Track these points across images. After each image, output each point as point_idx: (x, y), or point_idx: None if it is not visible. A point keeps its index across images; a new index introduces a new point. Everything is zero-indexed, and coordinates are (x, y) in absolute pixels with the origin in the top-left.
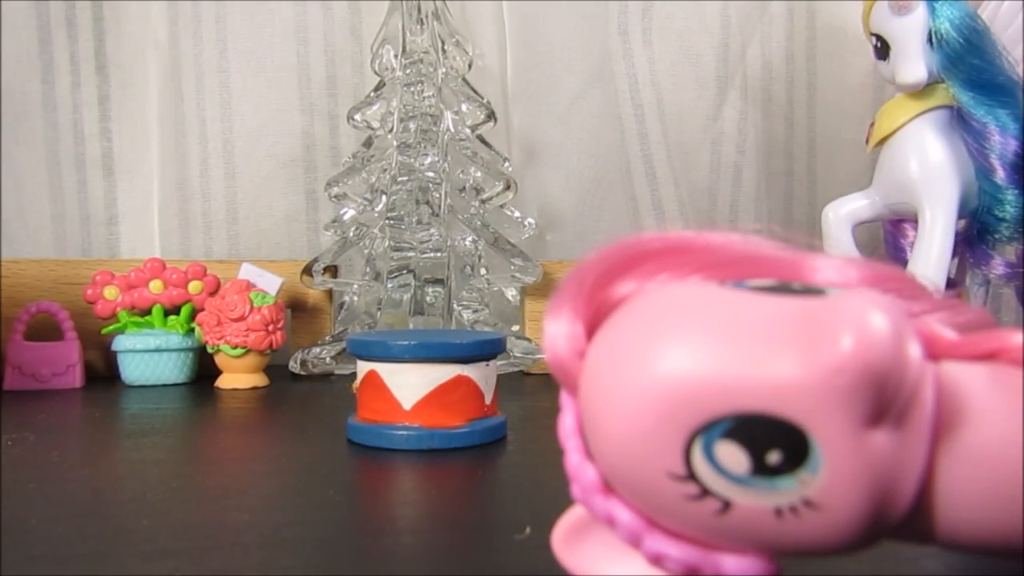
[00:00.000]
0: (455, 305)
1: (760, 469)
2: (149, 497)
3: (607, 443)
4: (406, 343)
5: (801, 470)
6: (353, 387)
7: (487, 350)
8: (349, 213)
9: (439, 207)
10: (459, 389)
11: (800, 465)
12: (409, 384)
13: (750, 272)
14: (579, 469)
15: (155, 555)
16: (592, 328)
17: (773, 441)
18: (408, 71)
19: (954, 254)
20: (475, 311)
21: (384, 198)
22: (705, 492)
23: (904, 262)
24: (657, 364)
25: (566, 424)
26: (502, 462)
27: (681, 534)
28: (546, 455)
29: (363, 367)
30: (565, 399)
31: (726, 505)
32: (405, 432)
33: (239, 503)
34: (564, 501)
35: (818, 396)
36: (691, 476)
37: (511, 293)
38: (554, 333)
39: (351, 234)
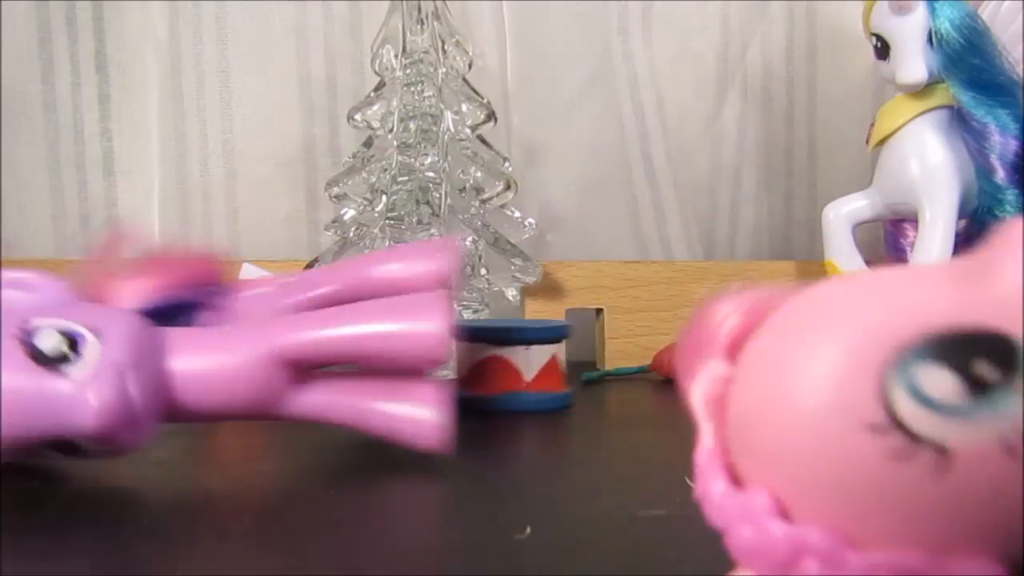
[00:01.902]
0: (455, 305)
1: (973, 390)
2: (150, 497)
3: (786, 429)
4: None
5: (1018, 377)
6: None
7: (517, 336)
8: (349, 213)
9: (439, 207)
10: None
11: (1015, 372)
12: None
13: None
14: (736, 498)
15: (156, 555)
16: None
17: (978, 354)
18: (408, 71)
19: (954, 254)
20: (475, 311)
21: (384, 198)
22: (914, 440)
23: (904, 262)
24: (832, 324)
25: (706, 450)
26: (501, 461)
27: (891, 539)
28: (550, 454)
29: (481, 349)
30: (704, 426)
31: (942, 454)
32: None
33: (239, 503)
34: (564, 500)
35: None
36: (895, 423)
37: (511, 293)
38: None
39: (351, 234)
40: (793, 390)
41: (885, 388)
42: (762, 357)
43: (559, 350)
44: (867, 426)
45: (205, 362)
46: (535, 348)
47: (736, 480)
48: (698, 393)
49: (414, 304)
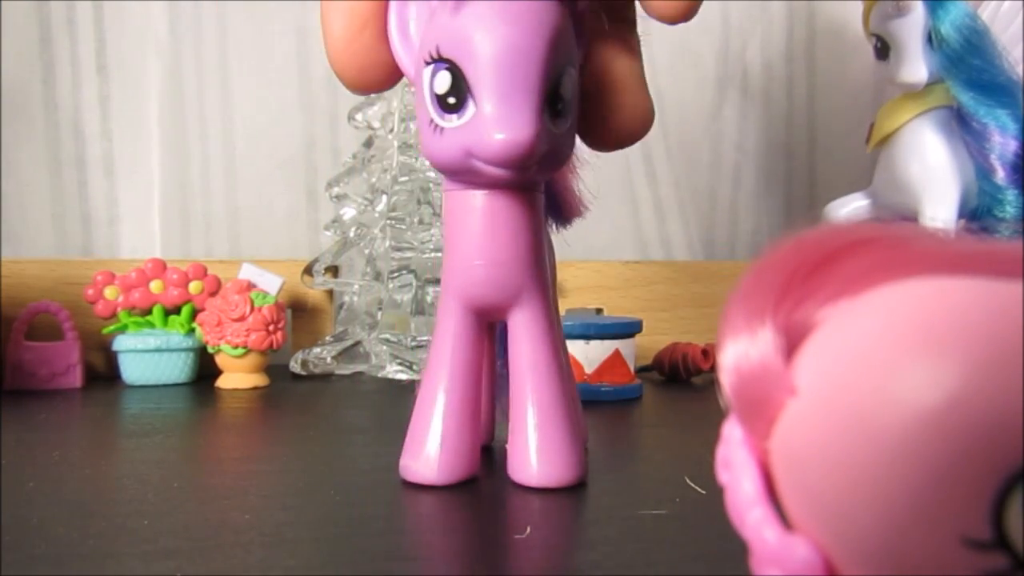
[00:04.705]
0: None
1: None
2: (149, 497)
3: (860, 501)
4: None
5: None
6: None
7: (578, 331)
8: (349, 213)
9: (440, 207)
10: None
11: None
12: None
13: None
14: (786, 548)
15: (155, 555)
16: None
17: None
18: None
19: None
20: None
21: (385, 198)
22: (1018, 565)
23: None
24: (947, 386)
25: (746, 488)
26: (502, 461)
27: None
28: None
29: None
30: (738, 452)
31: None
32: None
33: (239, 503)
34: (564, 500)
35: None
36: (1000, 542)
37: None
38: (743, 351)
39: (352, 234)
40: (881, 465)
41: (1001, 502)
42: (843, 393)
43: (624, 345)
44: (966, 540)
45: None
46: (595, 343)
47: (772, 492)
48: (730, 382)
49: None
